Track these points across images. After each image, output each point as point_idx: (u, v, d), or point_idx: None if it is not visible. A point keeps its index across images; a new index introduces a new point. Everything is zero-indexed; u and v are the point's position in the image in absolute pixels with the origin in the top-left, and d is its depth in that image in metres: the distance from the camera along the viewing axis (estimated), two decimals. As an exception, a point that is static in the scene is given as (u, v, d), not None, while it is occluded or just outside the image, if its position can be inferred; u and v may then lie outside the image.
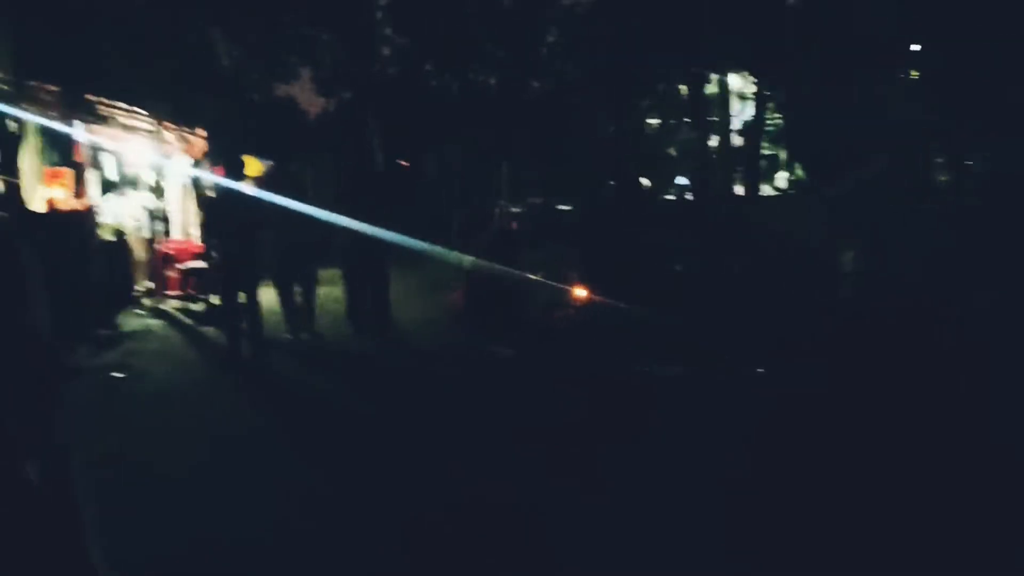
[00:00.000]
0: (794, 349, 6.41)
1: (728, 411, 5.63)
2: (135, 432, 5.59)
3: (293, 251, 8.81)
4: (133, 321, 9.91)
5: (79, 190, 9.59)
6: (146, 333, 9.17)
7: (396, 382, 7.08)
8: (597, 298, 8.57)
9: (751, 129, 23.25)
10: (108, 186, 12.18)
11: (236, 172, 8.48)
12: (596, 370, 6.94)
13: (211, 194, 8.84)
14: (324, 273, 9.62)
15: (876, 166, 7.16)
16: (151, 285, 11.29)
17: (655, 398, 6.12)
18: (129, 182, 12.69)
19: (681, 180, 36.73)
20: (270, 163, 13.32)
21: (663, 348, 7.18)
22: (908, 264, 6.27)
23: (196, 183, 14.40)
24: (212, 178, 17.00)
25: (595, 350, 7.65)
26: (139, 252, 11.67)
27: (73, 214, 8.97)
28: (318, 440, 5.54)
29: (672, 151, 34.76)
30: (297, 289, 8.89)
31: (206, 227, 9.56)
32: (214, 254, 8.88)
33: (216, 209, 8.40)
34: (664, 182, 26.32)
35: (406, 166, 24.73)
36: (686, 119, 27.84)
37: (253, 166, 10.92)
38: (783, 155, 28.15)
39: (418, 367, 7.71)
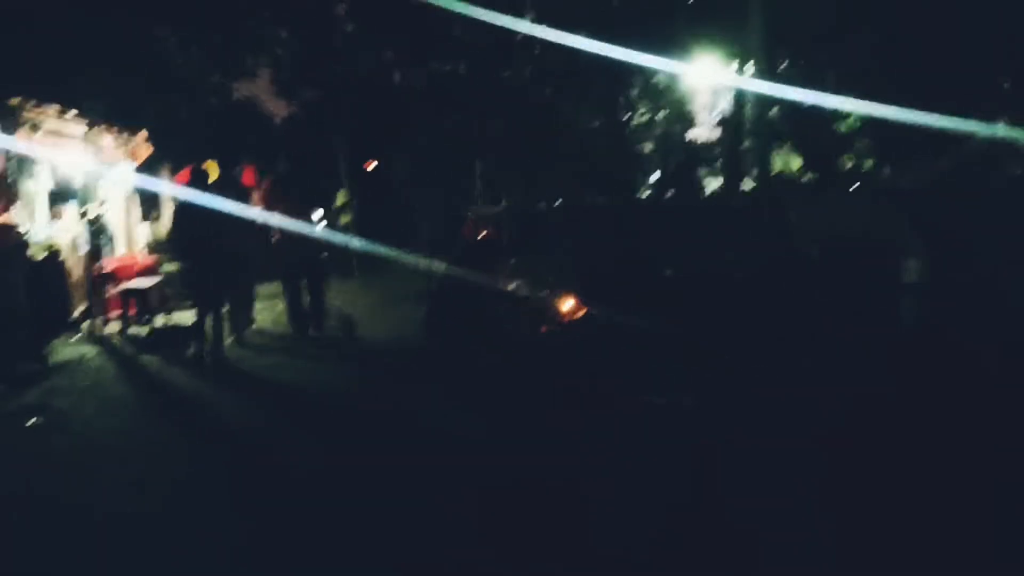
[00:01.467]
0: (840, 376, 5.44)
1: (752, 452, 4.69)
2: (38, 501, 4.55)
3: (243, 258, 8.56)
4: (66, 351, 8.80)
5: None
6: (78, 365, 8.06)
7: (354, 416, 6.06)
8: (590, 310, 7.62)
9: (733, 121, 22.40)
10: (39, 199, 11.05)
11: (200, 179, 8.33)
12: (587, 397, 6.00)
13: (178, 203, 8.53)
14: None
15: (957, 156, 6.20)
16: (91, 307, 10.10)
17: (659, 434, 5.16)
18: (64, 193, 11.55)
19: (656, 176, 35.99)
20: (227, 167, 12.25)
21: (669, 371, 6.23)
22: (990, 276, 5.31)
23: (150, 192, 13.38)
24: (167, 186, 16.12)
25: (586, 372, 6.70)
26: (76, 271, 10.53)
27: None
28: (262, 491, 4.60)
29: (649, 146, 33.94)
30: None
31: (175, 237, 8.98)
32: (180, 266, 9.24)
33: (185, 218, 8.24)
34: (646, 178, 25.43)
35: (370, 167, 23.63)
36: (663, 112, 26.99)
37: (214, 171, 10.03)
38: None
39: (383, 399, 6.65)
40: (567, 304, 7.80)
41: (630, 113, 25.95)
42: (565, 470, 4.55)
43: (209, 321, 8.13)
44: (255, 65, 22.50)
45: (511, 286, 7.96)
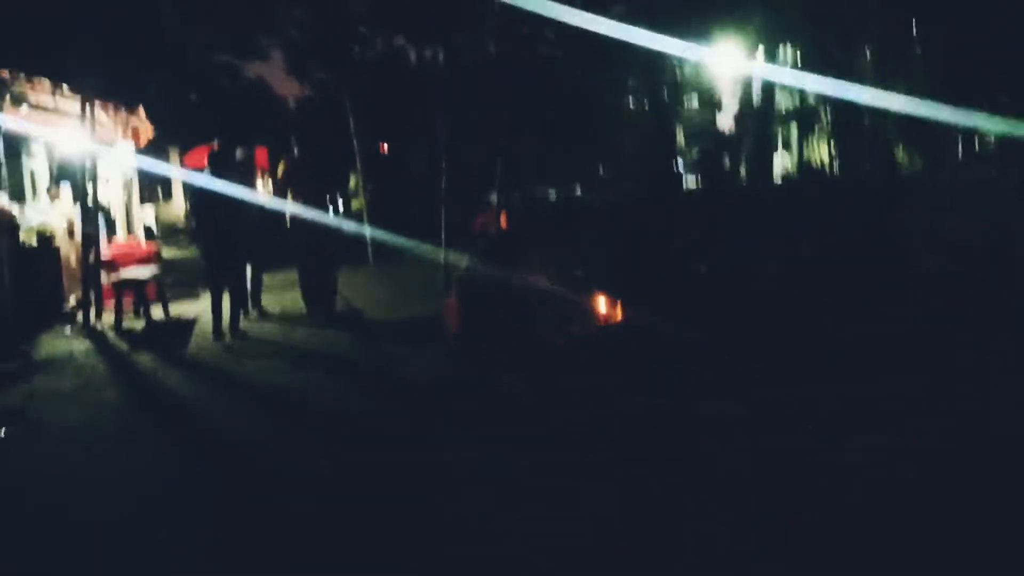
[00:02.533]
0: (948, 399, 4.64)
1: (821, 481, 3.94)
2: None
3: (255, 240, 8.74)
4: (55, 345, 8.13)
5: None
6: (65, 363, 7.38)
7: (369, 432, 5.32)
8: (629, 312, 6.88)
9: (763, 107, 21.57)
10: (32, 180, 10.42)
11: (217, 160, 8.24)
12: (620, 405, 5.31)
13: (195, 186, 8.52)
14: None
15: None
16: (85, 298, 9.33)
17: (715, 453, 4.40)
18: (60, 174, 10.90)
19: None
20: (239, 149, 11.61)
21: (724, 381, 5.49)
22: None
23: (153, 174, 12.75)
24: (175, 168, 15.45)
25: (621, 378, 5.96)
26: (71, 258, 9.87)
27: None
28: (254, 508, 4.01)
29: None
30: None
31: (194, 219, 9.11)
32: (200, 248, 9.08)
33: (203, 200, 8.24)
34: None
35: (384, 150, 22.83)
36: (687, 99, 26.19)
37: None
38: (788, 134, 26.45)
39: (397, 408, 5.87)
40: (601, 304, 7.07)
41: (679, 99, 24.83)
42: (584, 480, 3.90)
43: (224, 302, 8.08)
44: (267, 45, 21.79)
45: (537, 283, 7.22)
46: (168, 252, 17.18)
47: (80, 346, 8.09)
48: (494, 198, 21.82)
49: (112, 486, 4.41)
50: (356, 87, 15.74)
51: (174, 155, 25.60)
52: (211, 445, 5.15)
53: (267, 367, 6.99)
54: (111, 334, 8.68)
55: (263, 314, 9.15)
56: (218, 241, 8.09)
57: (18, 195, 11.48)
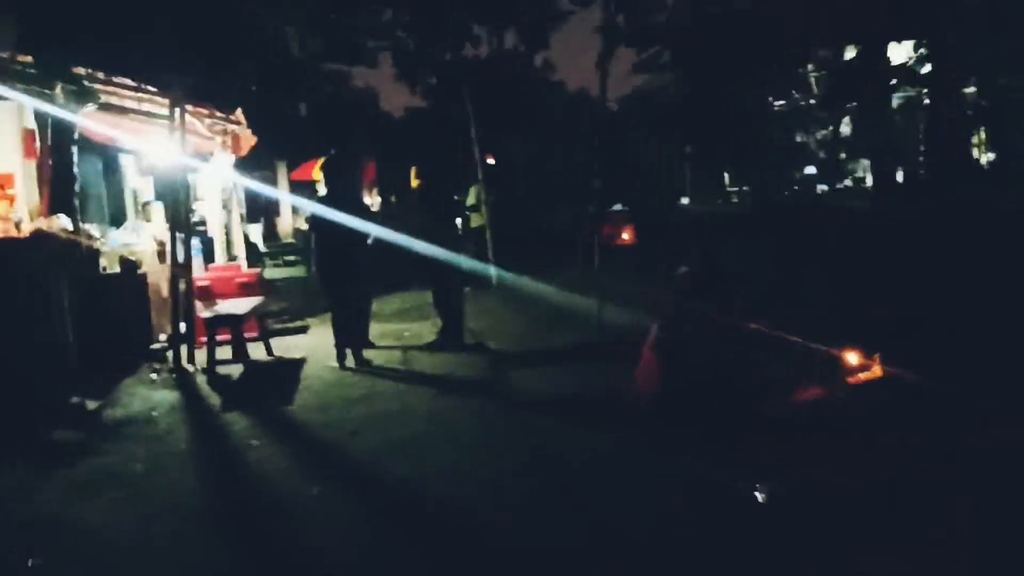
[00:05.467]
0: None
1: None
2: None
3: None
4: (136, 396, 6.63)
5: (43, 203, 6.39)
6: (141, 426, 5.82)
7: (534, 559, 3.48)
8: (889, 369, 4.88)
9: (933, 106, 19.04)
10: (124, 199, 9.15)
11: (334, 174, 7.48)
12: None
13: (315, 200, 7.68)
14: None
15: None
16: (178, 333, 7.82)
17: None
18: (151, 192, 9.63)
19: (810, 170, 32.49)
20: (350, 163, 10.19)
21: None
22: None
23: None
24: (281, 183, 14.17)
25: (888, 466, 4.03)
26: (161, 287, 8.49)
27: (18, 242, 5.75)
28: None
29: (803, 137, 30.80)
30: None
31: (314, 234, 7.75)
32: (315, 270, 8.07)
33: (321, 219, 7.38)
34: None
35: (493, 161, 21.28)
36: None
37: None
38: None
39: (569, 511, 4.00)
40: (850, 358, 5.07)
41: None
42: None
43: (347, 327, 7.42)
44: (376, 50, 20.56)
45: (751, 329, 5.27)
46: (275, 272, 16.02)
47: (164, 397, 6.58)
48: (616, 207, 19.91)
49: None
50: (469, 90, 14.08)
51: (281, 169, 24.74)
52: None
53: (387, 439, 5.26)
54: (202, 381, 7.18)
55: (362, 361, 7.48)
56: (338, 260, 7.39)
57: (118, 216, 10.35)
